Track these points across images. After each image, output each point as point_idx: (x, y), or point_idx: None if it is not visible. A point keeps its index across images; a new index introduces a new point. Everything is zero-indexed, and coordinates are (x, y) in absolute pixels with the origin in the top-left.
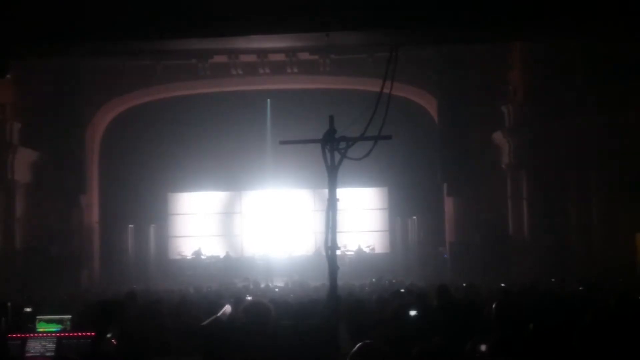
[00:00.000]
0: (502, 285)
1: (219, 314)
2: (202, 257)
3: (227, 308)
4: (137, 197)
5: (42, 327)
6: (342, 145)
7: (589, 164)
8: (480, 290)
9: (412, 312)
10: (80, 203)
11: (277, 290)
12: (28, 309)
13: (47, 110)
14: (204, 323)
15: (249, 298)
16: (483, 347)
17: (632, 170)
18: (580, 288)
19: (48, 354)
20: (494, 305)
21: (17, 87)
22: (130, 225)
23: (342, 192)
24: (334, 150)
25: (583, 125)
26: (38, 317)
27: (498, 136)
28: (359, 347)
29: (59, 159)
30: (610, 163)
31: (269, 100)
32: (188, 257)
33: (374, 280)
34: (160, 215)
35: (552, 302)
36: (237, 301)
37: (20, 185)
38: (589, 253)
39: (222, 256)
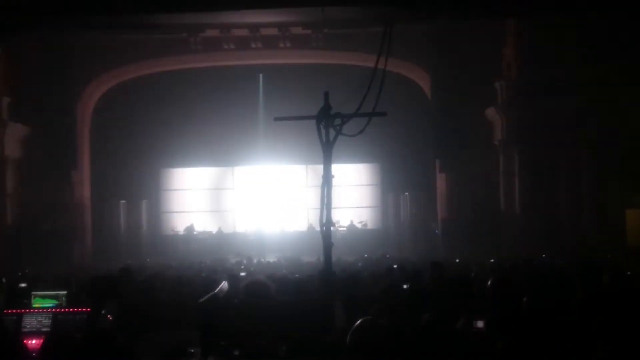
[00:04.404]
0: (492, 260)
1: (216, 291)
2: (195, 232)
3: (224, 285)
4: (129, 172)
5: (37, 303)
6: (337, 121)
7: (580, 140)
8: (471, 266)
9: (405, 286)
10: (72, 179)
11: (270, 265)
12: (23, 285)
13: (38, 85)
14: (202, 300)
15: (243, 274)
16: (480, 324)
17: (623, 147)
18: (571, 263)
19: (44, 329)
20: (489, 282)
21: (6, 61)
22: (122, 201)
23: (335, 168)
24: (329, 127)
25: (575, 103)
26: (33, 292)
27: (491, 112)
28: (360, 323)
29: (50, 134)
30: (602, 140)
31: (261, 75)
32: (181, 233)
33: (366, 256)
34: (152, 191)
35: (545, 277)
36: (232, 278)
37: (10, 161)
38: (579, 229)
39: (214, 232)
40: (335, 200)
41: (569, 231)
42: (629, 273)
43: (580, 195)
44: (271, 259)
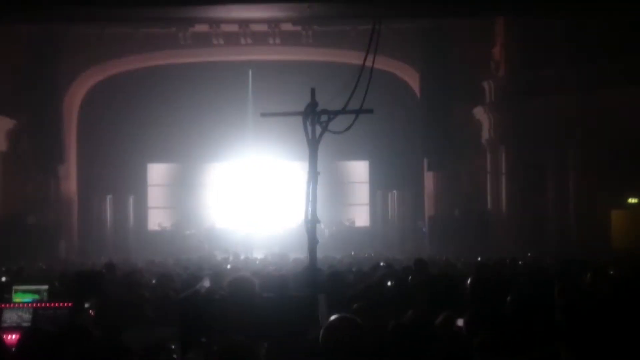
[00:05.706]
0: (479, 259)
1: (197, 287)
2: (182, 228)
3: (206, 281)
4: (116, 167)
5: (18, 298)
6: (324, 118)
7: (567, 141)
8: (457, 264)
9: (389, 283)
10: (58, 173)
11: (257, 262)
12: (4, 279)
13: (24, 78)
14: (182, 295)
15: (229, 267)
16: (460, 322)
17: (610, 147)
18: (555, 262)
19: (24, 324)
20: (468, 281)
21: None
22: (109, 196)
23: (326, 166)
24: (315, 124)
25: (563, 103)
26: (14, 287)
27: (479, 111)
28: (334, 319)
29: (36, 127)
30: (588, 140)
31: (250, 71)
32: (168, 229)
33: (353, 253)
34: (139, 186)
35: (530, 276)
36: (216, 274)
37: None
38: (565, 228)
39: (202, 228)
40: (323, 198)
41: (554, 231)
42: (611, 272)
43: (567, 195)
44: (259, 255)
